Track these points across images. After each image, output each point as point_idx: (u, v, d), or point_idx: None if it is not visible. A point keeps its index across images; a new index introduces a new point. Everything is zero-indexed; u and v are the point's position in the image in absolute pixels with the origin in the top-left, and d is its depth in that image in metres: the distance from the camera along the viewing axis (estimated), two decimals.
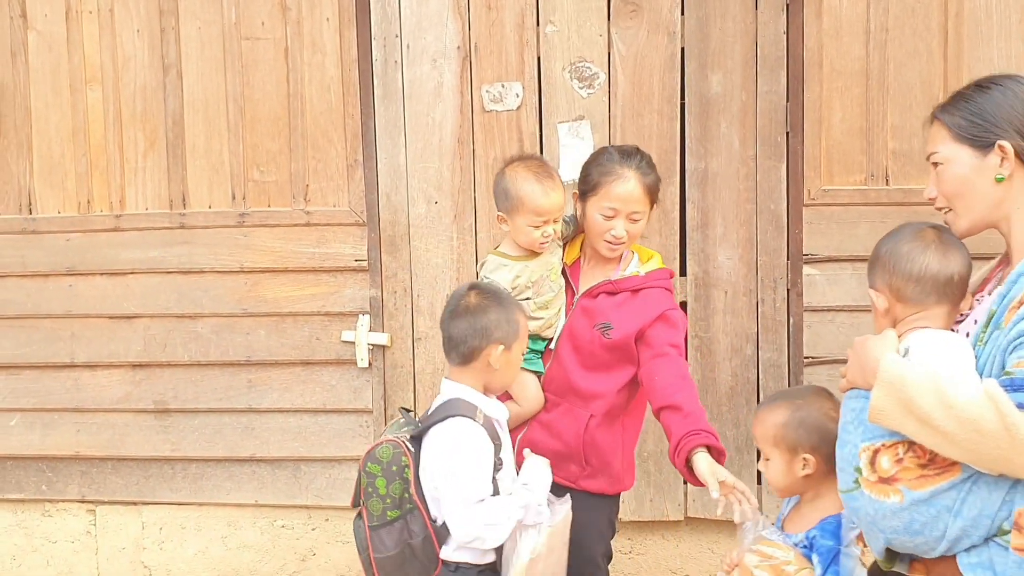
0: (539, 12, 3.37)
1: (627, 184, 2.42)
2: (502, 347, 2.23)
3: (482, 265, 2.58)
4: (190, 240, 3.60)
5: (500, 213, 2.50)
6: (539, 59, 3.38)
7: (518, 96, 3.41)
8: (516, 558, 2.19)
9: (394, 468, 2.20)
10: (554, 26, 3.36)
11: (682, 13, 3.30)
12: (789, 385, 3.33)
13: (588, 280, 2.56)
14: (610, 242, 2.46)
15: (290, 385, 3.61)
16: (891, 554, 1.86)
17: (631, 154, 2.48)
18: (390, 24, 3.45)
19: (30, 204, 3.71)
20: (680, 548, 3.51)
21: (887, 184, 3.26)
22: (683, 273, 3.39)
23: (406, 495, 2.20)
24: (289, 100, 3.53)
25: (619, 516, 3.41)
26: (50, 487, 3.81)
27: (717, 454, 2.27)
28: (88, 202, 3.67)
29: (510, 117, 3.42)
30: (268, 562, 3.72)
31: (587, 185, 2.48)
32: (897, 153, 3.24)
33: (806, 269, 3.30)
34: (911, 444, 1.76)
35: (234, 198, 3.58)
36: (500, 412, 2.32)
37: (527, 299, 2.48)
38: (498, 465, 2.20)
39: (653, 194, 2.48)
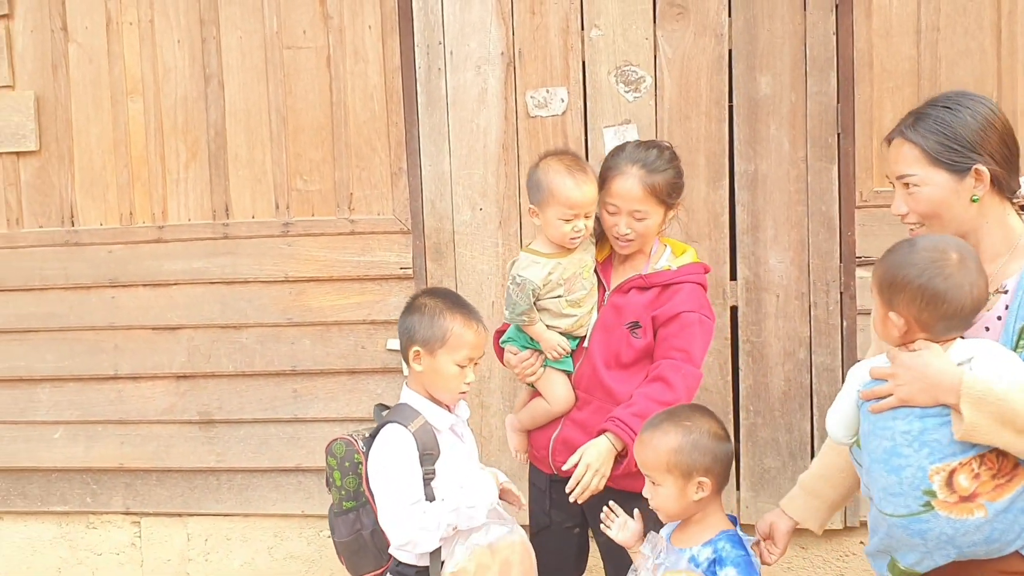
0: (583, 16, 3.34)
1: (626, 181, 2.39)
2: (419, 350, 2.24)
3: (513, 263, 2.56)
4: (234, 250, 3.59)
5: (532, 206, 2.49)
6: (584, 63, 3.36)
7: (563, 101, 3.38)
8: (442, 568, 2.22)
9: (347, 464, 2.31)
10: (599, 30, 3.34)
11: (729, 15, 3.27)
12: None
13: (619, 276, 2.53)
14: (616, 239, 2.44)
15: (336, 394, 3.59)
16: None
17: (645, 148, 2.44)
18: (433, 31, 3.43)
19: (72, 216, 3.71)
20: None
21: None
22: (733, 277, 3.35)
23: (360, 488, 2.31)
24: (332, 109, 3.51)
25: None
26: (94, 499, 3.80)
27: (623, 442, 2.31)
28: (130, 214, 3.66)
29: (555, 122, 3.40)
30: (315, 572, 3.70)
31: (600, 180, 2.47)
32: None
33: (859, 272, 3.26)
34: (982, 458, 1.75)
35: (277, 208, 3.57)
36: (443, 421, 2.28)
37: (559, 296, 2.47)
38: (428, 475, 2.21)
39: (659, 193, 2.40)
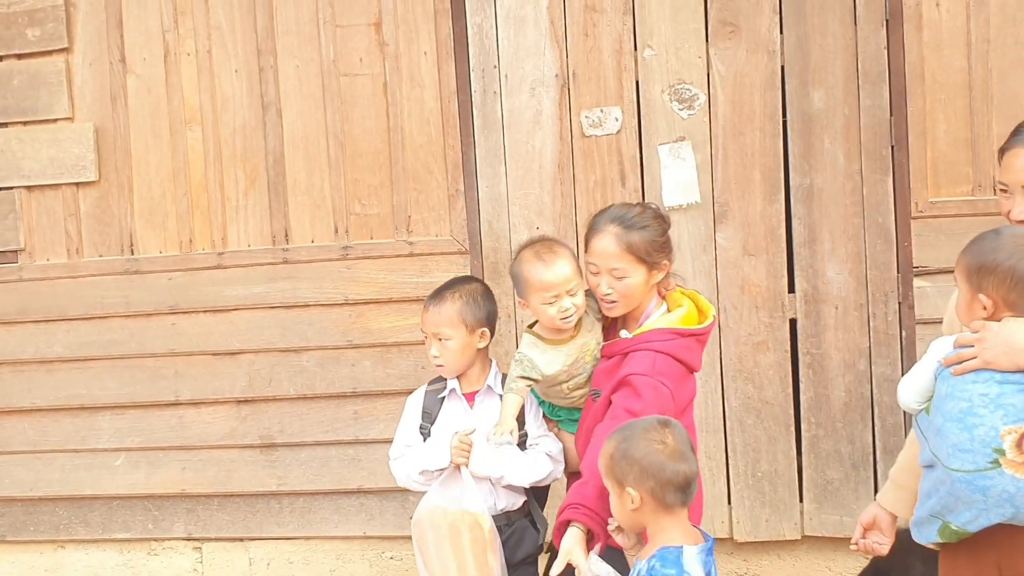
0: (636, 37, 3.41)
1: (602, 240, 2.37)
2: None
3: (523, 340, 2.58)
4: (293, 275, 3.64)
5: (520, 299, 2.54)
6: (638, 83, 3.42)
7: (617, 120, 3.44)
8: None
9: None
10: (652, 50, 3.40)
11: (781, 32, 3.33)
12: None
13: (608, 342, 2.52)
14: (601, 300, 2.42)
15: (396, 415, 3.53)
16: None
17: (627, 207, 2.43)
18: (488, 55, 3.50)
19: (132, 245, 3.76)
20: (797, 568, 3.47)
21: (995, 194, 3.22)
22: (791, 290, 3.39)
23: None
24: (389, 134, 3.57)
25: (734, 538, 3.43)
26: (156, 525, 3.83)
27: (594, 532, 2.21)
28: (190, 241, 3.72)
29: (610, 141, 3.45)
30: None
31: (585, 242, 2.47)
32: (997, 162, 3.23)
33: (917, 282, 3.29)
34: None
35: (336, 232, 3.62)
36: (448, 389, 2.66)
37: (563, 383, 2.50)
38: (423, 430, 2.63)
39: (636, 251, 2.35)
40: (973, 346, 1.95)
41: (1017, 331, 1.92)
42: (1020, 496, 1.88)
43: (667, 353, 2.34)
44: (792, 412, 3.40)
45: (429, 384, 2.73)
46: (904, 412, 3.31)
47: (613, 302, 2.40)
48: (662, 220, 2.44)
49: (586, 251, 2.44)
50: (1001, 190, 2.35)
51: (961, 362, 1.96)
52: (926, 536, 2.05)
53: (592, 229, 2.43)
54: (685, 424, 2.23)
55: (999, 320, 1.96)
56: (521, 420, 2.58)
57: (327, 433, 3.66)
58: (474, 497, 2.53)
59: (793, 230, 3.37)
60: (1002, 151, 2.39)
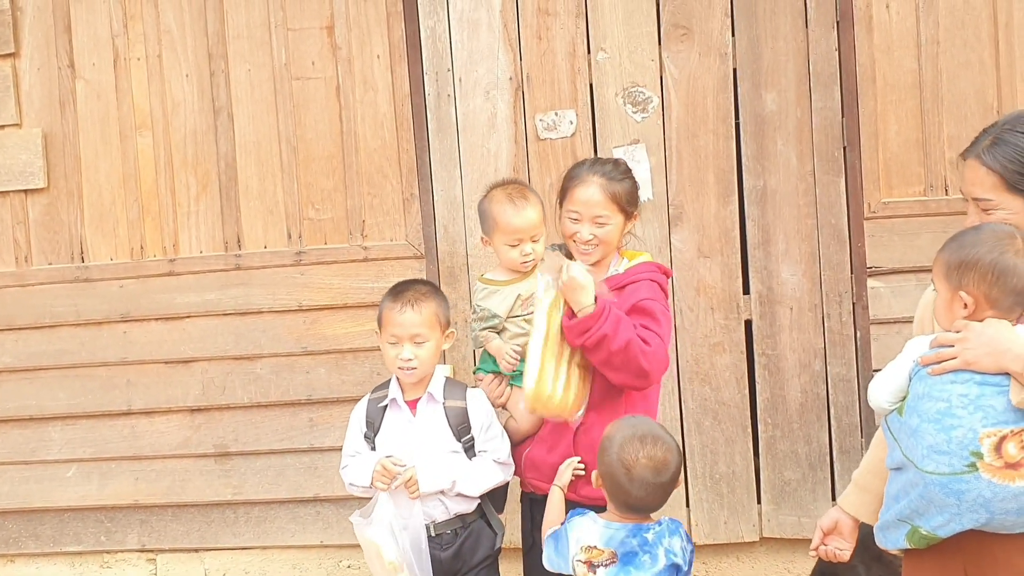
0: (590, 40, 3.40)
1: (588, 189, 2.48)
2: (377, 332, 2.61)
3: (476, 292, 2.69)
4: (246, 281, 3.59)
5: (483, 236, 2.67)
6: (591, 86, 3.41)
7: (572, 123, 3.43)
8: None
9: None
10: (605, 53, 3.39)
11: (733, 35, 3.34)
12: (860, 399, 3.33)
13: None
14: (578, 243, 2.51)
15: None
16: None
17: (603, 162, 2.56)
18: (442, 59, 3.47)
19: (82, 252, 3.70)
20: (756, 569, 3.47)
21: (946, 194, 3.28)
22: (747, 291, 3.39)
23: None
24: (343, 138, 3.54)
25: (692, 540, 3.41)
26: (109, 537, 3.75)
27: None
28: (141, 248, 3.66)
29: (564, 144, 3.44)
30: None
31: (561, 193, 2.57)
32: (955, 163, 3.26)
33: (870, 282, 3.31)
34: None
35: (290, 237, 3.58)
36: (389, 398, 2.61)
37: (517, 316, 2.58)
38: (368, 440, 2.59)
39: (619, 200, 2.49)
40: (953, 346, 1.89)
41: (1001, 331, 1.86)
42: (995, 502, 1.82)
43: (659, 284, 2.52)
44: (749, 413, 3.41)
45: (372, 392, 2.69)
46: (861, 412, 3.34)
47: (594, 247, 2.49)
48: (631, 174, 2.57)
49: (564, 200, 2.53)
50: (963, 200, 2.33)
51: (940, 362, 1.89)
52: (892, 541, 1.99)
53: (574, 179, 2.53)
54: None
55: (981, 320, 1.89)
56: (466, 427, 2.57)
57: (282, 441, 3.61)
58: (378, 529, 2.48)
59: (747, 232, 3.38)
60: (962, 157, 2.33)
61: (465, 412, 2.57)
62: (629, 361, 2.34)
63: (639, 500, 2.14)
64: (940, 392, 1.88)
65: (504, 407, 2.64)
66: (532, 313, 2.50)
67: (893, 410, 1.99)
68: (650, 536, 2.15)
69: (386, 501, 2.50)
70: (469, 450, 2.58)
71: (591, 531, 2.18)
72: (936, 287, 1.97)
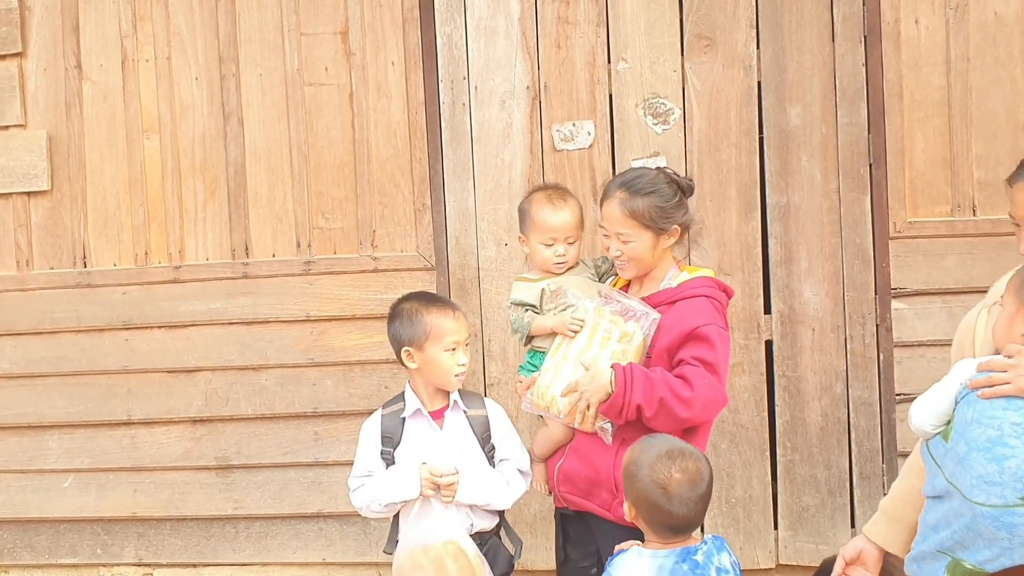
0: (610, 49, 3.32)
1: (609, 204, 2.44)
2: (409, 350, 2.50)
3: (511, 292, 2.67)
4: (253, 290, 3.50)
5: (520, 235, 2.67)
6: (611, 96, 3.33)
7: (590, 134, 3.35)
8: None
9: None
10: (626, 63, 3.31)
11: (757, 47, 3.26)
12: (881, 423, 3.23)
13: None
14: (614, 260, 2.49)
15: (358, 437, 3.48)
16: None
17: (636, 171, 2.49)
18: (457, 66, 3.39)
19: (84, 258, 3.61)
20: None
21: (974, 215, 3.19)
22: (768, 311, 3.30)
23: None
24: (355, 146, 3.46)
25: None
26: (105, 550, 3.66)
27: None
28: (145, 254, 3.58)
29: (582, 156, 3.36)
30: None
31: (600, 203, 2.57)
32: (983, 183, 3.18)
33: (895, 303, 3.22)
34: None
35: (299, 246, 3.49)
36: (413, 408, 2.53)
37: (550, 310, 2.54)
38: (386, 455, 2.50)
39: (640, 216, 2.38)
40: (1005, 371, 1.79)
41: None
42: None
43: (716, 299, 2.40)
44: (767, 436, 3.31)
45: (384, 407, 2.61)
46: (882, 437, 3.25)
47: (625, 262, 2.45)
48: (674, 185, 2.43)
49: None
50: (1013, 223, 2.25)
51: (991, 386, 1.79)
52: (929, 572, 1.88)
53: (604, 192, 2.50)
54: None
55: None
56: (488, 436, 2.54)
57: (286, 455, 3.52)
58: (452, 525, 2.44)
59: (769, 249, 3.29)
60: (1009, 182, 2.29)
61: (487, 420, 2.56)
62: (668, 418, 2.27)
63: (682, 518, 2.03)
64: (991, 419, 1.78)
65: (540, 416, 2.56)
66: (557, 308, 2.49)
67: (936, 435, 1.90)
68: (700, 558, 2.04)
69: (439, 504, 2.45)
70: (490, 459, 2.54)
71: (639, 567, 2.05)
72: (1004, 302, 1.90)
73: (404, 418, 2.53)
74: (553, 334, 2.50)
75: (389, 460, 2.51)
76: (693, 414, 2.28)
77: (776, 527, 3.32)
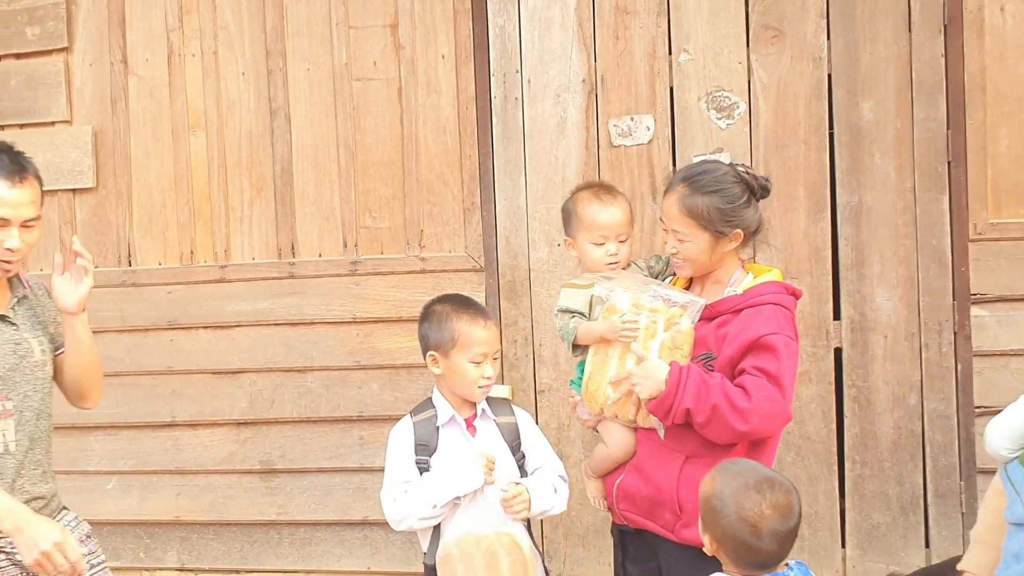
0: (671, 40, 3.18)
1: (668, 199, 2.27)
2: (434, 354, 2.35)
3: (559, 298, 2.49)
4: (299, 290, 3.42)
5: (567, 238, 2.48)
6: (672, 90, 3.19)
7: (649, 129, 3.20)
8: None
9: None
10: (688, 54, 3.16)
11: (828, 38, 3.09)
12: (959, 438, 3.04)
13: None
14: (671, 257, 2.33)
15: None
16: None
17: (703, 165, 2.31)
18: (510, 60, 3.27)
19: (129, 256, 3.56)
20: None
21: None
22: (837, 316, 3.13)
23: None
24: (403, 142, 3.36)
25: None
26: (148, 554, 3.60)
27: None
28: (191, 253, 3.51)
29: (640, 152, 3.21)
30: None
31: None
32: None
33: (974, 310, 3.02)
34: None
35: (346, 246, 3.40)
36: (447, 416, 2.37)
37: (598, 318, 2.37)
38: (421, 464, 2.33)
39: (697, 216, 2.19)
40: None
41: None
42: None
43: (786, 307, 2.20)
44: (835, 449, 3.14)
45: (413, 413, 2.43)
46: (960, 452, 3.06)
47: (681, 261, 2.28)
48: (743, 185, 2.21)
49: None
50: None
51: None
52: None
53: (667, 187, 2.31)
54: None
55: None
56: (518, 444, 2.41)
57: (331, 459, 3.43)
58: (507, 517, 2.30)
59: (839, 252, 3.12)
60: None
61: (516, 428, 2.43)
62: (721, 428, 2.10)
63: (772, 555, 1.85)
64: None
65: (595, 429, 2.41)
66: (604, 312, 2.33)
67: (1014, 459, 1.80)
68: None
69: (491, 493, 2.31)
70: (521, 467, 2.41)
71: None
72: None
73: (439, 426, 2.40)
74: (604, 341, 2.34)
75: (424, 469, 2.36)
76: (749, 427, 2.11)
77: (844, 545, 3.15)
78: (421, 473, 2.34)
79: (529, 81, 3.26)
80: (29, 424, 2.20)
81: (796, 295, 2.26)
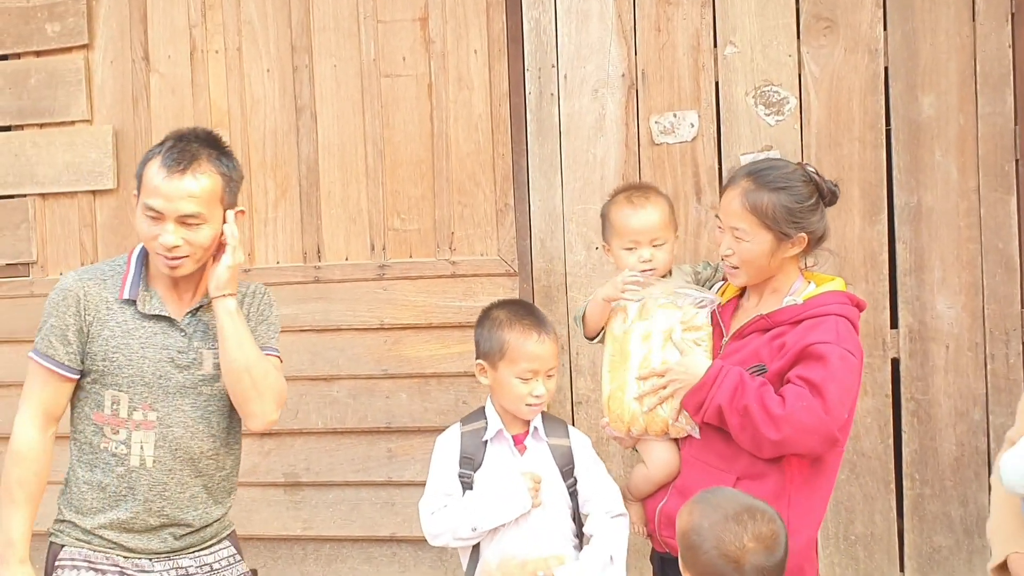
0: (716, 32, 3.01)
1: (729, 194, 2.13)
2: (482, 363, 2.21)
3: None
4: (325, 295, 3.29)
5: (604, 243, 2.38)
6: (717, 84, 3.03)
7: (693, 126, 3.04)
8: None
9: None
10: (735, 47, 2.99)
11: (884, 28, 2.92)
12: None
13: (741, 319, 2.15)
14: (722, 260, 2.18)
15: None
16: None
17: (771, 162, 2.16)
18: (546, 54, 3.12)
19: None
20: None
21: None
22: (894, 325, 2.95)
23: None
24: (433, 141, 3.22)
25: None
26: None
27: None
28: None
29: (683, 149, 3.05)
30: None
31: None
32: None
33: None
34: None
35: (373, 249, 3.27)
36: (495, 430, 2.21)
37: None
38: (464, 478, 2.19)
39: (762, 214, 2.04)
40: None
41: None
42: None
43: (848, 318, 2.04)
44: (893, 467, 2.96)
45: (463, 423, 2.29)
46: None
47: (733, 266, 2.11)
48: (812, 186, 2.06)
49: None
50: None
51: None
52: None
53: (728, 181, 2.15)
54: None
55: None
56: (570, 469, 2.22)
57: (358, 472, 3.30)
58: (554, 539, 2.16)
59: (897, 256, 2.95)
60: None
61: (570, 452, 2.23)
62: (752, 435, 1.95)
63: None
64: None
65: (635, 448, 2.25)
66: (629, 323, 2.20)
67: None
68: None
69: (537, 513, 2.17)
70: (573, 495, 2.23)
71: None
72: None
73: (486, 441, 2.24)
74: (617, 345, 2.20)
75: (467, 484, 2.21)
76: (780, 436, 1.94)
77: (902, 569, 2.96)
78: (464, 488, 2.20)
79: (565, 76, 3.11)
80: (178, 442, 2.01)
81: (860, 307, 2.09)
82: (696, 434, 2.08)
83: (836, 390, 1.94)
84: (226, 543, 2.16)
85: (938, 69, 2.89)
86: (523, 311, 2.24)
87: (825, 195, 2.07)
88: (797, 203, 2.02)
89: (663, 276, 2.24)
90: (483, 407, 2.28)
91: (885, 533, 2.96)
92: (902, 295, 2.94)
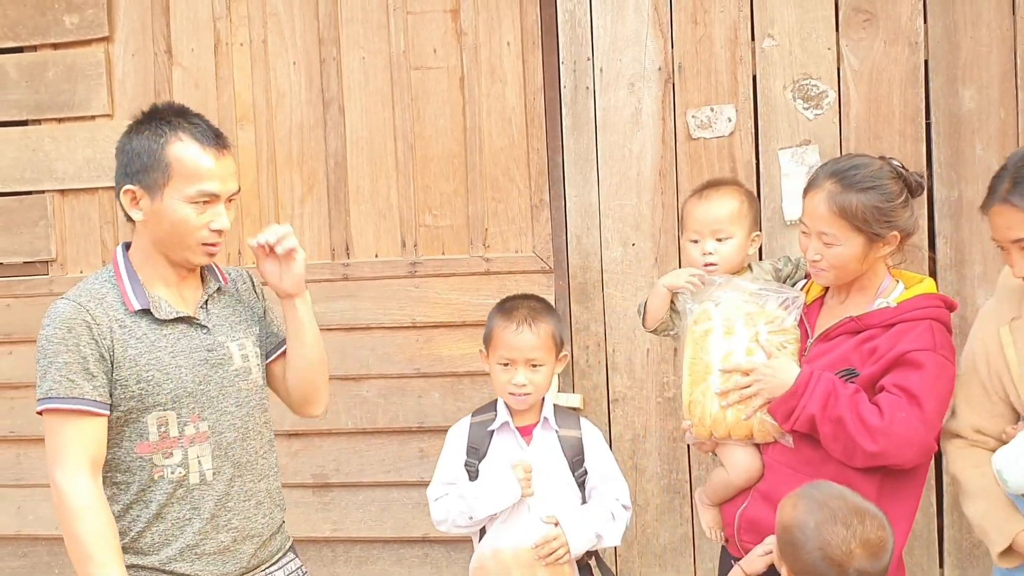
0: (754, 25, 2.98)
1: (815, 197, 2.06)
2: (482, 350, 2.34)
3: None
4: (355, 293, 3.23)
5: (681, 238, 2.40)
6: (755, 78, 2.99)
7: (730, 120, 3.00)
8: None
9: None
10: (773, 40, 2.96)
11: (925, 20, 2.89)
12: None
13: (827, 321, 2.10)
14: (809, 264, 2.11)
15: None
16: None
17: (854, 160, 2.09)
18: (581, 47, 3.08)
19: None
20: None
21: None
22: None
23: None
24: (465, 135, 3.17)
25: None
26: None
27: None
28: (238, 253, 3.32)
29: (721, 144, 3.02)
30: None
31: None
32: None
33: None
34: None
35: (404, 246, 3.21)
36: (500, 421, 2.29)
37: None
38: (469, 467, 2.27)
39: (851, 216, 1.98)
40: None
41: None
42: None
43: (943, 323, 2.00)
44: (933, 464, 2.92)
45: (474, 414, 2.36)
46: None
47: (822, 270, 2.05)
48: (901, 181, 2.01)
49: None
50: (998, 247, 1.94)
51: None
52: None
53: (810, 183, 2.07)
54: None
55: None
56: (580, 460, 2.27)
57: (389, 473, 3.24)
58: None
59: (937, 250, 2.93)
60: (983, 210, 1.96)
61: (580, 443, 2.29)
62: (847, 446, 1.91)
63: None
64: None
65: (714, 453, 2.21)
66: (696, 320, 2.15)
67: None
68: None
69: (534, 505, 2.22)
70: (582, 486, 2.28)
71: None
72: None
73: (492, 431, 2.29)
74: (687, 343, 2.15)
75: (472, 473, 2.27)
76: (878, 448, 1.91)
77: (941, 565, 2.95)
78: (470, 477, 2.27)
79: (601, 69, 3.07)
80: (233, 447, 1.91)
81: (953, 307, 2.07)
82: (787, 442, 2.04)
83: (934, 400, 1.92)
84: (290, 555, 2.08)
85: (979, 62, 2.87)
86: (517, 302, 2.32)
87: (913, 188, 2.03)
88: (888, 202, 1.97)
89: (736, 273, 2.20)
90: (496, 399, 2.33)
91: (924, 528, 2.94)
92: (942, 290, 2.90)
